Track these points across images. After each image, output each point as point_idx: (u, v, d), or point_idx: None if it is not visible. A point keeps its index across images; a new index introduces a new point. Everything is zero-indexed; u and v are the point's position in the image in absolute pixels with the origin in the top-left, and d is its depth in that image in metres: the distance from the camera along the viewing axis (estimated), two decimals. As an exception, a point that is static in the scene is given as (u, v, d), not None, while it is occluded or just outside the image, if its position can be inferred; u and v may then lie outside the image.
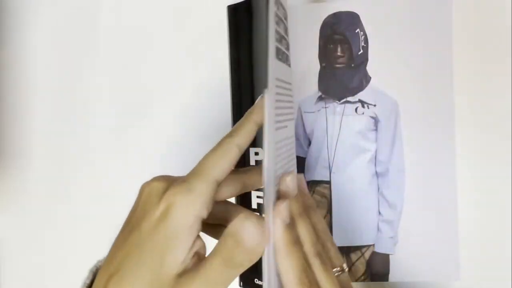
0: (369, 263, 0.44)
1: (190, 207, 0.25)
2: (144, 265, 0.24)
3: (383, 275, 0.44)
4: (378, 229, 0.44)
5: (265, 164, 0.25)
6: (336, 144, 0.45)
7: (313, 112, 0.45)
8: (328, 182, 0.45)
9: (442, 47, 0.44)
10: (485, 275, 0.44)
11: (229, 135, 0.28)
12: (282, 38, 0.30)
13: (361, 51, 0.44)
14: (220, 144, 0.27)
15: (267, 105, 0.25)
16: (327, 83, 0.44)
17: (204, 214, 0.25)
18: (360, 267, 0.44)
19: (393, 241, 0.44)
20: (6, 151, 0.48)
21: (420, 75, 0.44)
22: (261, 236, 0.24)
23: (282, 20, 0.30)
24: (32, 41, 0.48)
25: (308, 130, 0.45)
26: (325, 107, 0.45)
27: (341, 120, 0.45)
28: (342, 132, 0.44)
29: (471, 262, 0.44)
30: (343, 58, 0.44)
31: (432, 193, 0.44)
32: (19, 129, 0.48)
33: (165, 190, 0.26)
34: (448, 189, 0.44)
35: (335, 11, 0.44)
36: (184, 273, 0.24)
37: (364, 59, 0.44)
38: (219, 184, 0.26)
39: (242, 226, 0.24)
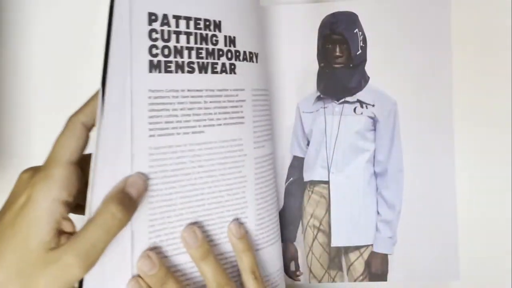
0: (367, 263, 0.44)
1: (47, 192, 0.26)
2: (9, 253, 0.26)
3: (382, 275, 0.44)
4: (377, 229, 0.44)
5: (93, 164, 0.27)
6: (335, 144, 0.45)
7: (312, 112, 0.45)
8: (327, 182, 0.45)
9: (440, 47, 0.44)
10: (484, 275, 0.44)
11: (74, 114, 0.29)
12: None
13: (360, 51, 0.44)
14: (66, 124, 0.29)
15: (99, 104, 0.28)
16: (325, 83, 0.45)
17: (64, 196, 0.27)
18: (359, 267, 0.44)
19: (392, 241, 0.44)
20: (6, 151, 0.49)
21: (418, 75, 0.44)
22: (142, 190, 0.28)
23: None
24: (32, 41, 0.48)
25: (306, 130, 0.45)
26: (324, 107, 0.45)
27: (340, 120, 0.45)
28: (341, 132, 0.45)
29: (470, 262, 0.44)
30: (341, 58, 0.44)
31: (431, 193, 0.44)
32: (19, 129, 0.48)
33: (29, 180, 0.28)
34: (447, 189, 0.44)
35: (333, 11, 0.44)
36: (56, 248, 0.26)
37: (363, 59, 0.44)
38: (78, 164, 0.28)
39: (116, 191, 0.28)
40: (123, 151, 0.29)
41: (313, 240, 0.45)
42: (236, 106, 0.34)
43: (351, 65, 0.44)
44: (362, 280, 0.44)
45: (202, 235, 0.31)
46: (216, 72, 0.32)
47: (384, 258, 0.44)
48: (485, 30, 0.45)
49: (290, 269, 0.45)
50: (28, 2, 0.48)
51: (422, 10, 0.44)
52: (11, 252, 0.26)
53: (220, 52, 0.33)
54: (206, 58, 0.32)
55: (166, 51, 0.30)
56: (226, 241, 0.34)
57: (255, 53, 0.36)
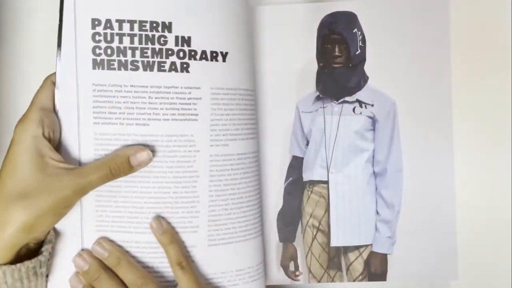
0: (367, 263, 0.44)
1: (25, 131, 0.33)
2: (8, 179, 0.32)
3: (381, 275, 0.44)
4: (376, 229, 0.44)
5: None
6: (334, 144, 0.45)
7: (311, 112, 0.45)
8: (326, 182, 0.45)
9: (439, 47, 0.44)
10: (483, 274, 0.44)
11: (49, 75, 0.36)
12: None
13: (359, 51, 0.44)
14: (42, 83, 0.36)
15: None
16: (325, 83, 0.45)
17: (39, 132, 0.33)
18: (358, 267, 0.44)
19: (391, 241, 0.44)
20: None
21: (417, 75, 0.44)
22: (146, 162, 0.34)
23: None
24: (32, 41, 0.48)
25: (306, 130, 0.45)
26: (323, 107, 0.45)
27: (339, 120, 0.45)
28: (340, 132, 0.45)
29: (469, 262, 0.44)
30: (341, 58, 0.44)
31: (430, 193, 0.44)
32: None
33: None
34: (446, 189, 0.44)
35: (332, 10, 0.44)
36: (56, 172, 0.32)
37: (362, 59, 0.44)
38: (49, 110, 0.34)
39: (135, 150, 0.34)
40: (72, 132, 0.35)
41: (313, 240, 0.45)
42: (188, 103, 0.36)
43: (350, 65, 0.44)
44: (361, 280, 0.44)
45: (167, 224, 0.36)
46: (164, 70, 0.35)
47: (383, 258, 0.44)
48: (484, 30, 0.45)
49: (289, 269, 0.45)
50: (28, 2, 0.48)
51: (421, 10, 0.44)
52: (10, 178, 0.32)
53: (170, 52, 0.35)
54: (152, 57, 0.35)
55: (109, 51, 0.35)
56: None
57: (221, 52, 0.37)
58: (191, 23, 0.36)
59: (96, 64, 0.35)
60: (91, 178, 0.33)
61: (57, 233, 0.35)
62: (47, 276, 0.34)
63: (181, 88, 0.36)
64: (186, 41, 0.36)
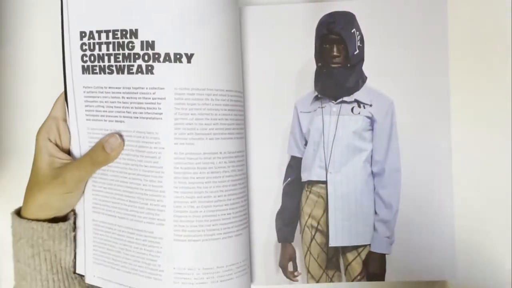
0: (365, 263, 0.44)
1: (39, 135, 0.41)
2: (31, 173, 0.41)
3: (380, 275, 0.44)
4: (374, 229, 0.44)
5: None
6: (333, 144, 0.45)
7: (309, 112, 0.45)
8: (325, 182, 0.45)
9: (437, 46, 0.44)
10: (481, 274, 0.44)
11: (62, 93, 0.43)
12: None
13: (357, 51, 0.44)
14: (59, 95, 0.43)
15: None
16: (323, 83, 0.45)
17: (46, 136, 0.41)
18: (357, 267, 0.44)
19: (390, 240, 0.44)
20: (6, 151, 0.49)
21: (416, 75, 0.44)
22: (117, 146, 0.39)
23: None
24: (32, 41, 0.49)
25: (304, 129, 0.45)
26: (321, 107, 0.45)
27: (337, 120, 0.45)
28: (338, 132, 0.45)
29: (467, 262, 0.44)
30: (339, 58, 0.44)
31: (428, 192, 0.44)
32: (19, 129, 0.49)
33: None
34: (444, 188, 0.44)
35: (331, 10, 0.44)
36: (60, 166, 0.40)
37: (360, 59, 0.44)
38: (60, 118, 0.42)
39: (105, 138, 0.40)
40: (73, 127, 0.42)
41: (311, 240, 0.45)
42: (153, 103, 0.39)
43: (348, 65, 0.44)
44: (360, 280, 0.44)
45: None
46: (132, 73, 0.39)
47: (381, 257, 0.44)
48: (482, 30, 0.44)
49: (288, 270, 0.45)
50: (28, 2, 0.48)
51: (419, 10, 0.44)
52: (31, 172, 0.41)
53: (136, 56, 0.39)
54: (123, 61, 0.39)
55: (92, 58, 0.40)
56: (144, 219, 0.40)
57: (186, 53, 0.38)
58: (155, 28, 0.38)
59: (84, 70, 0.41)
60: (81, 168, 0.40)
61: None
62: (74, 248, 0.42)
63: (147, 88, 0.39)
64: (151, 45, 0.38)
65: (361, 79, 0.44)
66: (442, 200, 0.44)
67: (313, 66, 0.45)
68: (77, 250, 0.43)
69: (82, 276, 0.43)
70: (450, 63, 0.44)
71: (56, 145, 0.42)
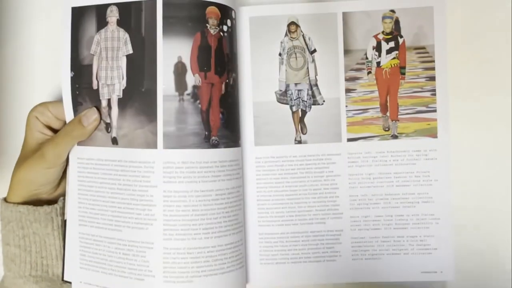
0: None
1: (30, 113, 0.42)
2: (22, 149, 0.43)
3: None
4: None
5: None
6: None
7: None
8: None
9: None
10: (481, 274, 0.44)
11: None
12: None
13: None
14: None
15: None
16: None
17: (39, 116, 0.42)
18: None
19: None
20: (6, 151, 0.49)
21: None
22: (94, 120, 0.41)
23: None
24: (32, 41, 0.49)
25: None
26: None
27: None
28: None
29: (466, 261, 0.44)
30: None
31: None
32: (19, 129, 0.49)
33: None
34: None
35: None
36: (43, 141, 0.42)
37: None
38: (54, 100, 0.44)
39: (83, 112, 0.41)
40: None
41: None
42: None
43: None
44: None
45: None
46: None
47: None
48: (480, 29, 0.44)
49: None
50: (28, 2, 0.49)
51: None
52: (22, 147, 0.43)
53: None
54: None
55: None
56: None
57: None
58: None
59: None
60: (58, 142, 0.41)
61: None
62: (63, 233, 0.42)
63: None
64: None
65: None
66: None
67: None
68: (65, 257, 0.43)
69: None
70: (448, 63, 0.44)
71: (47, 127, 0.43)
